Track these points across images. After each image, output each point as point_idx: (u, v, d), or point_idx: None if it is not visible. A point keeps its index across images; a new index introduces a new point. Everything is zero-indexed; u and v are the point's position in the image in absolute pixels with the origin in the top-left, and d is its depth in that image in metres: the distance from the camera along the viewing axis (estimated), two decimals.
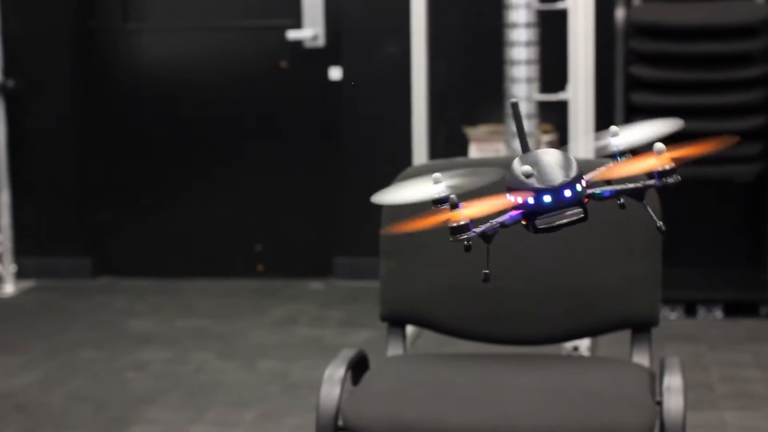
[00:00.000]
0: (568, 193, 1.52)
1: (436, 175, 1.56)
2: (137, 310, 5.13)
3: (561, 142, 4.86)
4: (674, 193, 4.84)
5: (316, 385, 2.37)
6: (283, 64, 5.46)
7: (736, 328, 4.64)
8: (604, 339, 3.71)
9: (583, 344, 4.04)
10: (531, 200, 1.53)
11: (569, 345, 4.01)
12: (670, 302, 4.77)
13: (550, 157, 1.55)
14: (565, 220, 1.53)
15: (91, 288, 5.53)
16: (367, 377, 2.46)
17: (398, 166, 2.84)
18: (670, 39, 4.69)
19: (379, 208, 2.60)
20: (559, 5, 4.37)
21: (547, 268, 2.58)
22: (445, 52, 5.10)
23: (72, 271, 5.63)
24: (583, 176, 1.55)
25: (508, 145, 4.39)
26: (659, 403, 2.28)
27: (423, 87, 4.54)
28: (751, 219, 5.09)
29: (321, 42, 5.41)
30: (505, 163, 1.60)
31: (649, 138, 1.57)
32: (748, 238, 5.12)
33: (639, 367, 2.48)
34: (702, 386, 3.95)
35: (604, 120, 4.65)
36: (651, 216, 1.57)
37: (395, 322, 2.66)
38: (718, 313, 4.79)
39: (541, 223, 1.54)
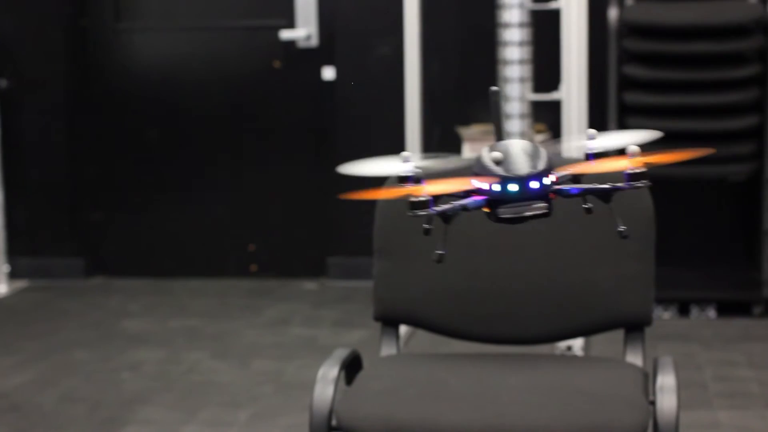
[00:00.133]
0: (534, 184, 1.51)
1: (405, 153, 1.56)
2: (130, 310, 5.13)
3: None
4: (667, 192, 4.85)
5: (309, 385, 2.37)
6: (276, 64, 5.46)
7: (730, 328, 4.64)
8: (598, 339, 3.72)
9: (577, 344, 4.04)
10: (496, 187, 1.52)
11: (562, 345, 4.01)
12: (663, 302, 4.77)
13: (521, 147, 1.54)
14: (528, 213, 1.51)
15: (84, 288, 5.53)
16: (361, 377, 2.46)
17: None
18: (663, 39, 4.70)
19: (372, 208, 2.60)
20: (552, 5, 4.38)
21: (541, 268, 2.58)
22: (438, 52, 5.10)
23: (65, 271, 5.62)
24: (553, 170, 1.54)
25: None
26: (652, 403, 2.28)
27: (416, 87, 4.54)
28: (745, 218, 5.10)
29: (314, 42, 5.41)
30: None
31: (625, 145, 1.57)
32: (741, 237, 5.12)
33: (632, 366, 2.48)
34: (695, 386, 3.95)
35: (597, 120, 4.67)
36: (615, 218, 1.56)
37: (389, 322, 2.66)
38: (712, 313, 4.79)
39: (503, 212, 1.52)
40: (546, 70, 4.55)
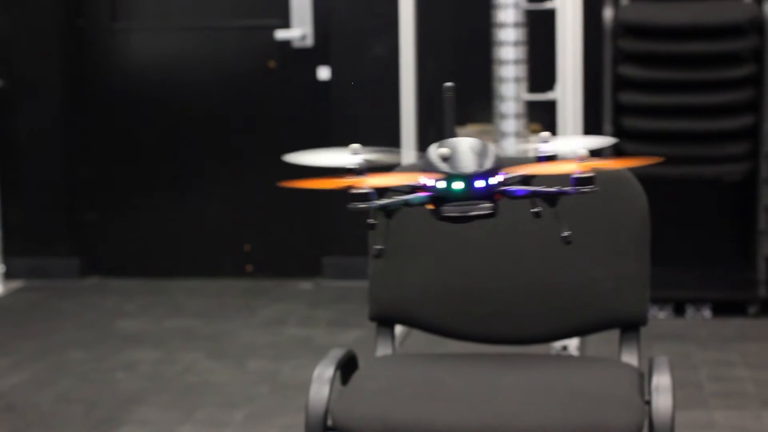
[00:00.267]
0: (480, 183, 1.49)
1: (355, 146, 1.55)
2: (126, 310, 5.13)
3: None
4: (663, 192, 4.85)
5: (305, 385, 2.37)
6: (272, 63, 5.46)
7: (725, 328, 4.65)
8: (593, 338, 3.72)
9: (572, 344, 4.05)
10: (441, 184, 1.50)
11: (558, 344, 4.01)
12: (658, 302, 4.78)
13: (469, 144, 1.52)
14: (473, 213, 1.49)
15: (79, 288, 5.52)
16: (356, 377, 2.46)
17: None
18: (659, 39, 4.70)
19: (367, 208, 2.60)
20: (547, 5, 4.38)
21: (536, 268, 2.58)
22: (433, 51, 5.10)
23: (61, 272, 5.62)
24: (500, 170, 1.52)
25: (497, 144, 4.39)
26: (648, 403, 2.28)
27: (412, 87, 4.54)
28: (740, 218, 5.10)
29: (309, 42, 5.41)
30: None
31: (578, 149, 1.56)
32: (736, 237, 5.13)
33: (628, 366, 2.48)
34: (691, 385, 3.95)
35: (592, 119, 4.67)
36: (558, 222, 1.55)
37: (384, 322, 2.66)
38: (707, 313, 4.79)
39: (447, 210, 1.50)
40: (541, 70, 4.55)
